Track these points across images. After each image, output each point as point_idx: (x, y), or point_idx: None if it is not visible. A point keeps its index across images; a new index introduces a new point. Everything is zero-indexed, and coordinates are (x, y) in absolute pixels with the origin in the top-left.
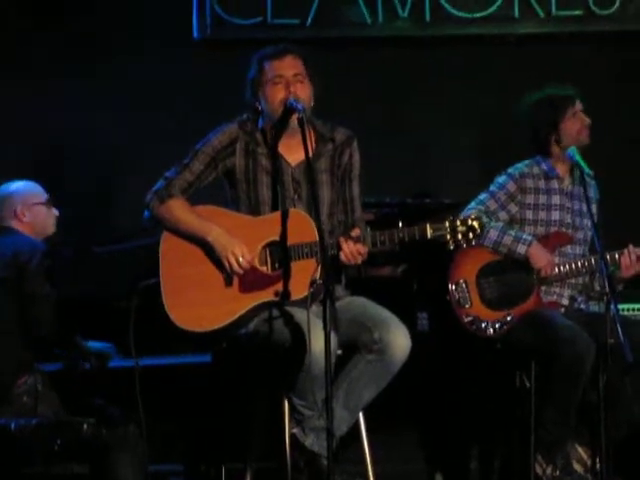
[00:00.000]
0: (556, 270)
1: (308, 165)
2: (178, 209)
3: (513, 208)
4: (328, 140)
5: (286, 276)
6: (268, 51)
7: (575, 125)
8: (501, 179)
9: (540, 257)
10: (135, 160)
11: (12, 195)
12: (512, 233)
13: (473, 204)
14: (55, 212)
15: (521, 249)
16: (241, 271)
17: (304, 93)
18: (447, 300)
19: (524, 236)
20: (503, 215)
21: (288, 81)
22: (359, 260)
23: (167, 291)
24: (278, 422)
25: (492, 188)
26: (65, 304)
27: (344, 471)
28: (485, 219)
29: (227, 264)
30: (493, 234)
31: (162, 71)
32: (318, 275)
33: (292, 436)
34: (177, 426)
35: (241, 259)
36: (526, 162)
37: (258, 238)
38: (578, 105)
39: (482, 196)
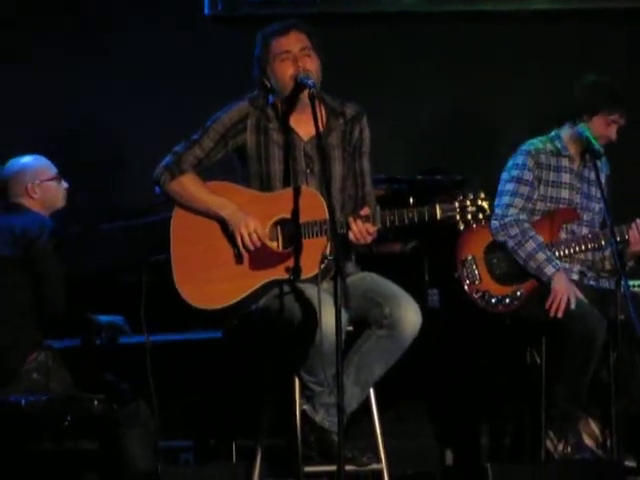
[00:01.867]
0: (565, 251)
1: (319, 140)
2: (191, 184)
3: (538, 185)
4: (339, 114)
5: (297, 254)
6: (272, 28)
7: (604, 129)
8: (519, 159)
9: (562, 285)
10: (146, 138)
11: (22, 171)
12: (547, 253)
13: (506, 198)
14: (65, 185)
15: (549, 270)
16: (252, 246)
17: (312, 66)
18: (456, 277)
19: (557, 261)
20: (536, 195)
21: (295, 56)
22: (368, 239)
23: (177, 268)
24: (288, 398)
25: (515, 172)
26: (74, 281)
27: (354, 447)
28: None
29: (239, 238)
30: (530, 246)
31: (174, 48)
32: (328, 251)
33: (302, 412)
34: (187, 402)
35: (254, 234)
36: (540, 138)
37: (269, 215)
38: (621, 120)
39: (509, 186)
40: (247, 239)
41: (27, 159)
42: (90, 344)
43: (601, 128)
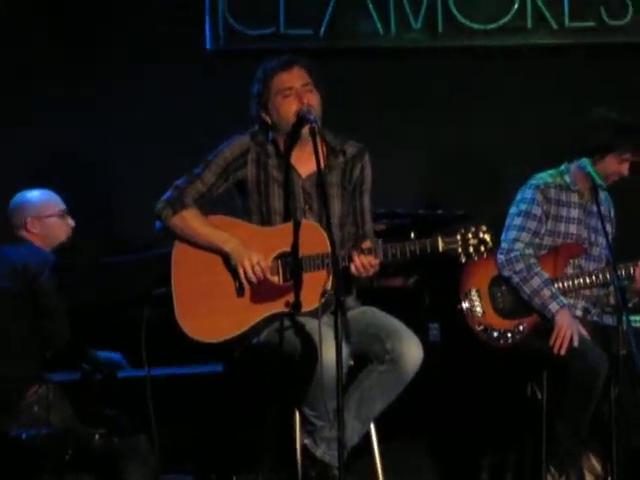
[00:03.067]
0: (570, 285)
1: (320, 175)
2: (193, 219)
3: (546, 220)
4: (339, 153)
5: (298, 287)
6: (273, 64)
7: (616, 167)
8: (528, 193)
9: (566, 321)
10: (147, 172)
11: (24, 205)
12: (553, 290)
13: (514, 233)
14: (71, 223)
15: (553, 307)
16: (255, 279)
17: (315, 102)
18: (459, 309)
19: (562, 297)
20: (543, 230)
21: (298, 92)
22: (370, 272)
23: (179, 301)
24: (289, 432)
25: (523, 207)
26: (75, 315)
27: None
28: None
29: (242, 271)
30: (536, 282)
31: (176, 82)
32: (329, 286)
33: (303, 447)
34: (188, 436)
35: (257, 266)
36: (550, 172)
37: (270, 249)
38: (633, 157)
39: (517, 221)
40: (250, 272)
41: (33, 193)
42: (90, 379)
43: (614, 166)
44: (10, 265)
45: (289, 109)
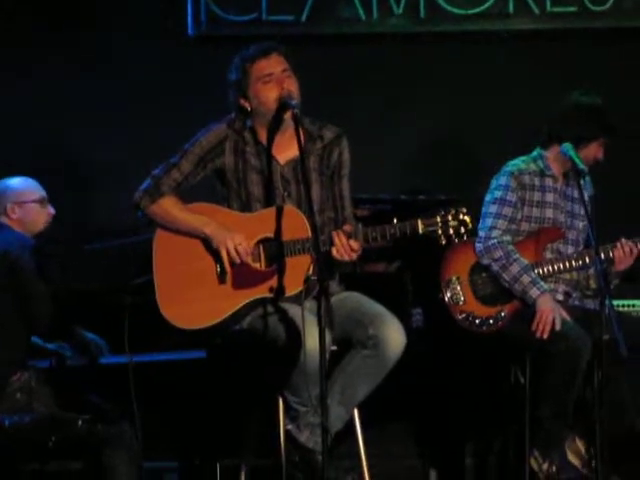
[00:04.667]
0: (549, 270)
1: (302, 161)
2: (171, 206)
3: (522, 206)
4: (316, 138)
5: (280, 272)
6: (251, 51)
7: (593, 153)
8: (502, 180)
9: (548, 306)
10: (128, 157)
11: (5, 191)
12: (532, 275)
13: (490, 220)
14: (51, 211)
15: (534, 293)
16: (238, 259)
17: (294, 87)
18: (440, 298)
19: (542, 283)
20: (519, 216)
21: (278, 78)
22: (353, 256)
23: (160, 288)
24: (273, 418)
25: (498, 194)
26: (57, 301)
27: (339, 467)
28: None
29: (225, 252)
30: (515, 269)
31: (157, 68)
32: (311, 271)
33: (287, 432)
34: (171, 423)
35: (240, 247)
36: (523, 158)
37: (251, 234)
38: (607, 141)
39: (492, 208)
40: (233, 252)
41: (14, 180)
42: (62, 365)
43: (593, 152)
44: None
45: (270, 95)
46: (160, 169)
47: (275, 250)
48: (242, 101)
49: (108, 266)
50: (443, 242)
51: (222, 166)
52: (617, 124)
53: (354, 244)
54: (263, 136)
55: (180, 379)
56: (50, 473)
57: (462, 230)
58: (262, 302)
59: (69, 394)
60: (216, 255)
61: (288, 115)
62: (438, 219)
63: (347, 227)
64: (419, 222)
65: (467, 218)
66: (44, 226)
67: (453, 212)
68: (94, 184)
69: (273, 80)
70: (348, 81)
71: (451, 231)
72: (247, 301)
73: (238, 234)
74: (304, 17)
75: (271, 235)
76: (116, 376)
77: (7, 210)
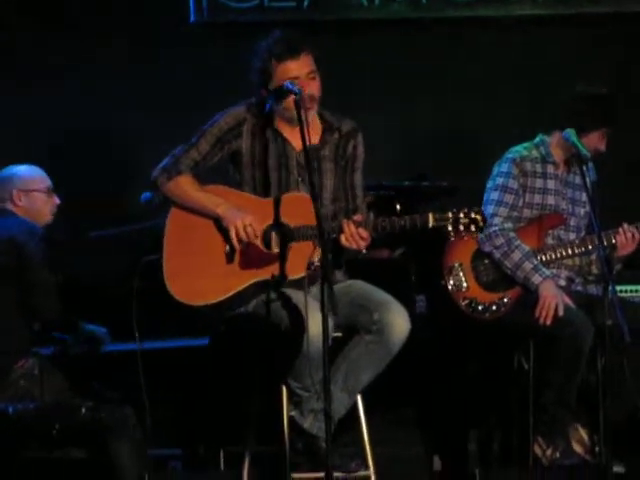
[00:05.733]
0: (552, 256)
1: (304, 148)
2: (187, 185)
3: (523, 193)
4: (334, 130)
5: (286, 256)
6: (281, 48)
7: (595, 143)
8: (504, 167)
9: (550, 292)
10: (133, 144)
11: (11, 178)
12: (534, 262)
13: (491, 207)
14: (56, 201)
15: (536, 279)
16: (246, 238)
17: (316, 89)
18: (443, 284)
19: (544, 269)
20: (521, 203)
21: (303, 82)
22: (361, 245)
23: (167, 263)
24: (276, 405)
25: (499, 180)
26: (64, 289)
27: (343, 453)
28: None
29: (234, 231)
30: (517, 256)
31: (159, 55)
32: (317, 258)
33: (290, 418)
34: (175, 410)
35: (249, 227)
36: (525, 145)
37: (263, 218)
38: (609, 131)
39: (494, 195)
40: (242, 232)
41: (21, 168)
42: (65, 354)
43: (594, 142)
44: None
45: (288, 101)
46: (179, 149)
47: (284, 234)
48: (263, 92)
49: (114, 253)
50: (452, 237)
51: (239, 148)
52: (620, 115)
53: (363, 233)
54: (280, 122)
55: (183, 366)
56: (54, 461)
57: (473, 228)
58: (266, 287)
59: (72, 381)
60: (226, 235)
61: (289, 100)
62: (450, 215)
63: (357, 216)
64: (430, 216)
65: (479, 217)
66: (50, 217)
67: (466, 210)
68: (100, 171)
69: (297, 84)
70: (349, 67)
71: (461, 227)
72: (253, 281)
73: (249, 215)
74: (306, 3)
75: (282, 219)
76: (120, 363)
77: (13, 196)
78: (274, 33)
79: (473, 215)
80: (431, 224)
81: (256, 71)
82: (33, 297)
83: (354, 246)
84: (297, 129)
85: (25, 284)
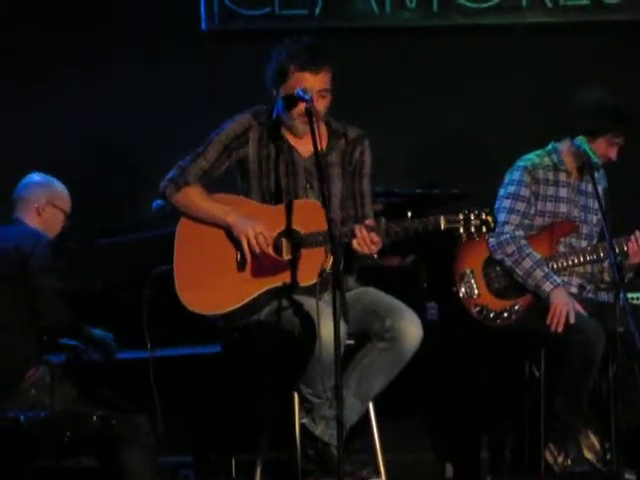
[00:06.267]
0: (563, 263)
1: (316, 154)
2: (195, 195)
3: (535, 201)
4: (341, 136)
5: (298, 262)
6: (305, 58)
7: (605, 150)
8: (515, 175)
9: (562, 299)
10: (144, 152)
11: (49, 187)
12: (545, 270)
13: (503, 215)
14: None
15: (547, 287)
16: (258, 248)
17: (323, 107)
18: (454, 291)
19: (555, 277)
20: (533, 211)
21: (313, 96)
22: (373, 249)
23: (179, 274)
24: (288, 412)
25: (511, 188)
26: (72, 297)
27: (354, 460)
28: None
29: (245, 241)
30: (528, 264)
31: (171, 63)
32: (328, 265)
33: (302, 426)
34: (187, 417)
35: (260, 236)
36: (537, 152)
37: (273, 225)
38: (621, 140)
39: (506, 203)
40: (253, 241)
41: (58, 182)
42: (77, 361)
43: (602, 148)
44: (1, 246)
45: (298, 108)
46: (187, 159)
47: (295, 241)
48: (274, 93)
49: (124, 260)
50: (464, 239)
51: (245, 155)
52: (630, 122)
53: (374, 237)
54: (287, 129)
55: (195, 374)
56: (65, 469)
57: (484, 229)
58: (279, 294)
59: (84, 390)
60: (237, 244)
61: (300, 107)
62: (461, 217)
63: (369, 221)
64: (442, 219)
65: (489, 218)
66: (55, 235)
67: (476, 211)
68: (109, 179)
69: (309, 92)
70: (361, 75)
71: (473, 229)
72: (264, 289)
73: (259, 224)
74: (317, 11)
75: (292, 227)
76: (133, 371)
77: (40, 204)
78: (303, 39)
79: (484, 216)
80: (443, 227)
81: (273, 68)
82: (39, 303)
83: (366, 250)
84: (303, 137)
85: (31, 291)
